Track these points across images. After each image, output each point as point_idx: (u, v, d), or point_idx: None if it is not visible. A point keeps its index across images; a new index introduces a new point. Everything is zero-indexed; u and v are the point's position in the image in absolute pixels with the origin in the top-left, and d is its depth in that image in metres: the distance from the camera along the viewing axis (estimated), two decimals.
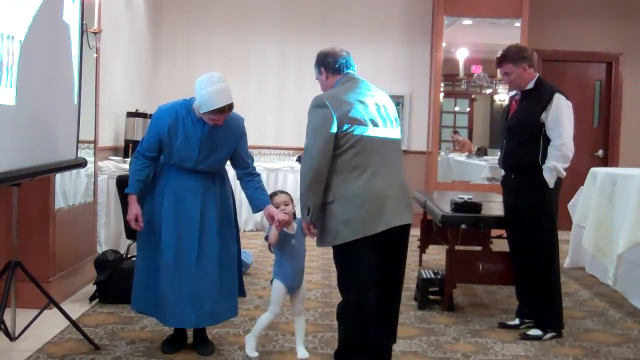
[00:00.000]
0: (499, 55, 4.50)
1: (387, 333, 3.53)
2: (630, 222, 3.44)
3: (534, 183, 4.35)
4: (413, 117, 9.14)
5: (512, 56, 4.42)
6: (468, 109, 9.92)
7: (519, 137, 4.42)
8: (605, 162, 9.20)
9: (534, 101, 4.39)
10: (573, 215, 6.20)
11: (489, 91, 9.43)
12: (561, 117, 4.31)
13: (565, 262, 6.47)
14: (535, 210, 4.40)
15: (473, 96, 9.75)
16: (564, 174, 4.35)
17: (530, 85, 4.43)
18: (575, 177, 4.92)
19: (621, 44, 9.18)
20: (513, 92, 4.62)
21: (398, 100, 9.10)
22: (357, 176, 3.30)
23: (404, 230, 3.45)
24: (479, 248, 5.96)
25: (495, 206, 5.45)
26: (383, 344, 3.54)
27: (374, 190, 3.30)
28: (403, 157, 3.57)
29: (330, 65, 3.49)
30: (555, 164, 4.30)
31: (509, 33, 8.53)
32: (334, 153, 3.30)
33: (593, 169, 3.96)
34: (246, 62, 9.18)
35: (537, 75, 4.48)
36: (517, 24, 8.49)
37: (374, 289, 3.36)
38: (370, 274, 3.34)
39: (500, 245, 5.66)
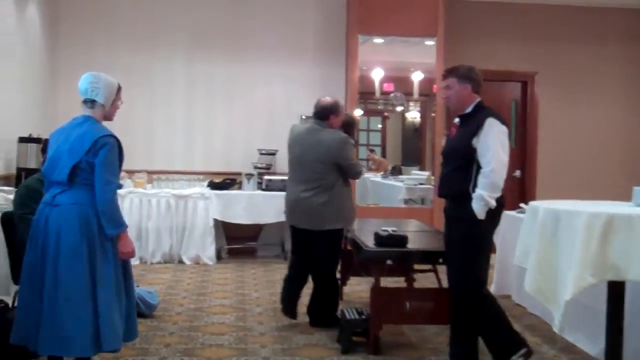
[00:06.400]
0: (447, 68, 4.30)
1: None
2: (577, 264, 3.13)
3: (463, 213, 4.03)
4: None
5: (458, 72, 4.19)
6: (380, 126, 9.71)
7: (452, 163, 4.17)
8: (522, 183, 9.12)
9: (468, 126, 4.12)
10: (497, 243, 5.93)
11: (400, 109, 9.22)
12: (490, 142, 4.02)
13: (491, 289, 6.20)
14: (458, 241, 4.09)
15: (385, 114, 9.56)
16: (494, 203, 4.04)
17: (469, 110, 4.18)
18: None
19: (536, 63, 9.14)
20: (456, 120, 4.31)
21: None
22: None
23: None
24: (402, 279, 5.67)
25: (419, 237, 5.18)
26: None
27: None
28: None
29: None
30: (481, 193, 3.99)
31: (420, 51, 8.47)
32: None
33: (532, 204, 3.64)
34: (152, 81, 8.63)
35: (479, 100, 4.20)
36: (429, 42, 8.34)
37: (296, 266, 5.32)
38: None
39: (428, 278, 5.37)
